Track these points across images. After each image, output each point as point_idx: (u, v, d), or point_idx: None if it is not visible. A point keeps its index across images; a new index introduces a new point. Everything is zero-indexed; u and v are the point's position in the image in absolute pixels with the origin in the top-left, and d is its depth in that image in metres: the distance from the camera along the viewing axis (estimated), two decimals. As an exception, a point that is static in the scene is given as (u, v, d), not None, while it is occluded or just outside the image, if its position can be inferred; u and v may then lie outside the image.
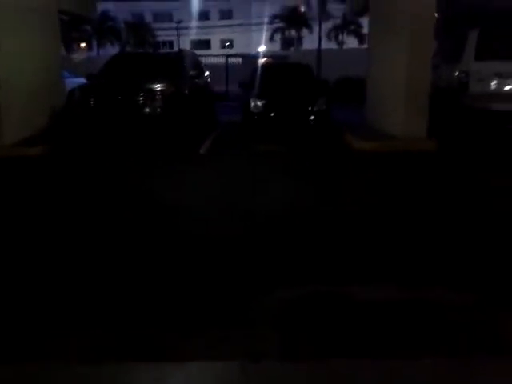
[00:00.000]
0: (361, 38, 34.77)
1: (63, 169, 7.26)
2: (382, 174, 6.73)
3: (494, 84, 8.61)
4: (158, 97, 8.27)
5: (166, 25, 43.68)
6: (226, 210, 4.95)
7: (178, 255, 3.78)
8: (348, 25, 35.21)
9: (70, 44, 34.44)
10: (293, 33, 38.87)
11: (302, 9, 36.51)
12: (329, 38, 35.62)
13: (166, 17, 47.63)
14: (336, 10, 32.36)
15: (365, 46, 24.29)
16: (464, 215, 4.75)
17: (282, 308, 2.91)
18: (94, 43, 40.24)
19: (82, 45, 38.98)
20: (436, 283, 3.25)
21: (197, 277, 3.38)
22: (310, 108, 9.18)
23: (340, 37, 36.43)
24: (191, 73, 9.97)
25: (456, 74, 9.16)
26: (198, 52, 15.51)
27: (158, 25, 43.11)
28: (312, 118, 9.16)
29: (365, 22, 22.00)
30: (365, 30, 28.83)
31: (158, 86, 8.39)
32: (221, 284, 3.25)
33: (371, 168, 7.10)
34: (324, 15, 33.52)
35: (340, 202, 5.25)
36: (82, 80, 11.29)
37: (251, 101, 9.25)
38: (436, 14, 8.61)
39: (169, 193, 5.69)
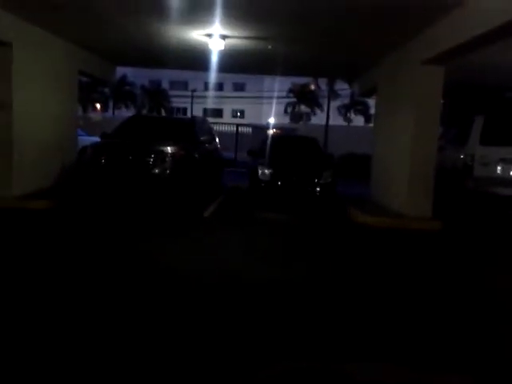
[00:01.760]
0: (367, 117, 35.84)
1: (63, 223, 7.21)
2: (382, 249, 6.65)
3: (498, 169, 8.72)
4: (167, 158, 8.40)
5: (181, 92, 45.34)
6: (218, 276, 4.82)
7: (165, 322, 3.65)
8: (355, 104, 36.44)
9: (86, 104, 35.60)
10: (302, 108, 40.20)
11: (312, 87, 37.97)
12: (339, 113, 36.78)
13: (182, 85, 49.54)
14: (344, 89, 33.63)
15: (371, 124, 25.03)
16: (457, 296, 4.63)
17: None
18: (111, 105, 41.62)
19: (98, 105, 40.27)
20: (431, 364, 3.09)
21: (190, 346, 3.24)
22: (316, 180, 9.27)
23: (348, 114, 37.59)
24: (202, 138, 10.18)
25: (461, 157, 9.31)
26: (211, 120, 15.96)
27: (173, 92, 44.78)
28: (318, 189, 9.22)
29: (372, 102, 22.78)
30: (371, 110, 29.82)
31: (169, 148, 8.54)
32: (212, 355, 3.11)
33: (372, 243, 7.03)
34: (332, 94, 34.82)
35: (336, 275, 5.14)
36: (95, 138, 11.56)
37: (259, 169, 9.37)
38: (442, 100, 8.88)
39: (162, 255, 5.58)
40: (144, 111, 40.03)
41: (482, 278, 5.38)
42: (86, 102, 35.08)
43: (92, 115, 33.88)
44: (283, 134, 20.69)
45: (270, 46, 9.63)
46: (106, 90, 37.56)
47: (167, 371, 2.85)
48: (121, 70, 26.31)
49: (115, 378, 2.75)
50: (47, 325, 3.44)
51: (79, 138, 12.09)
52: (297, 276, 5.01)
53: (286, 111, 40.66)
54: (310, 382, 2.75)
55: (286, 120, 40.19)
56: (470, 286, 5.05)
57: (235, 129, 21.75)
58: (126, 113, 35.04)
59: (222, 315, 3.79)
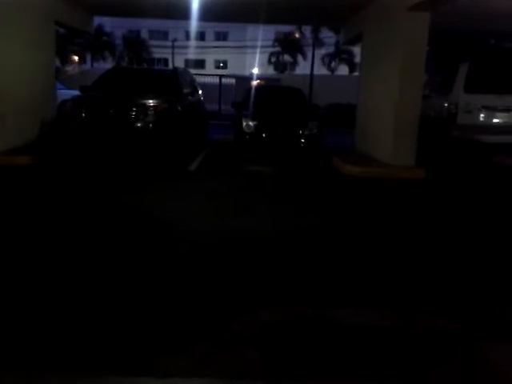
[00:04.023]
0: (352, 66, 35.34)
1: (47, 179, 7.16)
2: (366, 198, 6.77)
3: (481, 116, 8.79)
4: (150, 112, 8.28)
5: (161, 42, 44.03)
6: (204, 228, 4.88)
7: (158, 273, 3.72)
8: (340, 53, 35.83)
9: (64, 56, 34.43)
10: (287, 57, 39.46)
11: (297, 35, 37.16)
12: (323, 62, 36.19)
13: (162, 35, 48.05)
14: (329, 38, 33.02)
15: (356, 73, 24.78)
16: (445, 242, 4.78)
17: (265, 329, 2.87)
18: (88, 57, 40.33)
19: (76, 58, 38.98)
20: (420, 310, 3.24)
21: (178, 295, 3.33)
22: (301, 131, 9.26)
23: (333, 64, 37.00)
24: (185, 90, 10.01)
25: (445, 105, 9.33)
26: (193, 71, 15.62)
27: (153, 42, 43.46)
28: (303, 141, 9.23)
29: (357, 50, 22.47)
30: (357, 59, 29.39)
31: (151, 101, 8.40)
32: (204, 304, 3.21)
33: (356, 192, 7.14)
34: (317, 42, 34.13)
35: (320, 224, 5.24)
36: (75, 92, 11.28)
37: (243, 121, 9.31)
38: (427, 47, 8.80)
39: (148, 208, 5.59)
40: (123, 63, 38.89)
41: (465, 223, 5.54)
42: (64, 55, 33.90)
43: (70, 68, 32.85)
44: (267, 84, 20.44)
45: (252, -8, 9.34)
46: (83, 41, 36.20)
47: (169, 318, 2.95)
48: (97, 20, 25.34)
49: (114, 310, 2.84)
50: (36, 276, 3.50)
51: (58, 91, 11.78)
52: (281, 226, 5.10)
53: (270, 61, 39.91)
54: (301, 327, 2.87)
55: (270, 70, 39.50)
56: (452, 233, 5.20)
57: (218, 80, 21.37)
58: (105, 65, 34.03)
59: (208, 264, 3.88)
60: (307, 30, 33.90)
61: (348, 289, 3.52)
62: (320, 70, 34.66)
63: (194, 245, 4.37)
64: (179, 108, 9.14)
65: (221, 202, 6.08)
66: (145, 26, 43.65)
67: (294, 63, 39.54)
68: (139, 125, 8.23)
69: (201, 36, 48.96)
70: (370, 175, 8.12)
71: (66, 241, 4.36)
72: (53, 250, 4.12)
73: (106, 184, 6.84)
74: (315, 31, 32.88)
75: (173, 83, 9.66)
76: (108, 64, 34.53)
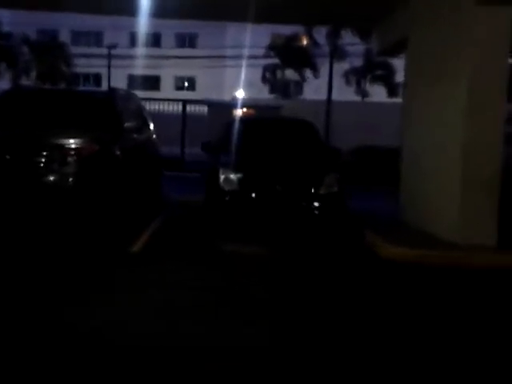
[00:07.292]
0: (392, 88, 36.24)
1: None
2: (428, 306, 6.56)
3: None
4: (70, 158, 8.32)
5: (91, 50, 45.16)
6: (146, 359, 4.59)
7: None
8: (373, 67, 36.80)
9: None
10: (290, 74, 40.41)
11: (304, 40, 38.24)
12: (347, 81, 37.02)
13: (94, 38, 49.44)
14: (355, 45, 34.00)
15: (398, 99, 25.42)
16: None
17: None
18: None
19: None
20: None
21: None
22: (313, 189, 9.30)
23: (362, 84, 37.93)
24: (127, 124, 10.15)
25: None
26: (141, 94, 15.94)
27: (79, 49, 44.54)
28: (316, 204, 9.25)
29: (399, 63, 23.13)
30: (399, 77, 30.27)
31: (73, 140, 8.48)
32: None
33: (412, 296, 6.97)
34: (337, 52, 35.05)
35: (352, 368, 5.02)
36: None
37: (221, 172, 9.37)
38: (510, 60, 9.04)
39: (53, 335, 5.12)
40: (29, 81, 39.60)
41: None
42: None
43: None
44: (259, 116, 20.79)
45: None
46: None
47: None
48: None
49: None
50: None
51: None
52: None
53: (263, 79, 40.91)
54: None
55: (265, 93, 40.42)
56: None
57: (181, 108, 21.74)
58: (1, 84, 34.61)
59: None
60: (320, 32, 34.89)
61: None
62: (343, 94, 35.45)
63: None
64: (117, 152, 9.21)
65: (174, 319, 5.81)
66: (65, 23, 44.91)
67: (302, 83, 40.50)
68: (52, 178, 8.25)
69: (155, 40, 50.41)
70: (425, 261, 8.11)
71: None
72: None
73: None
74: (333, 35, 33.90)
75: (108, 113, 9.79)
76: (5, 83, 35.08)
